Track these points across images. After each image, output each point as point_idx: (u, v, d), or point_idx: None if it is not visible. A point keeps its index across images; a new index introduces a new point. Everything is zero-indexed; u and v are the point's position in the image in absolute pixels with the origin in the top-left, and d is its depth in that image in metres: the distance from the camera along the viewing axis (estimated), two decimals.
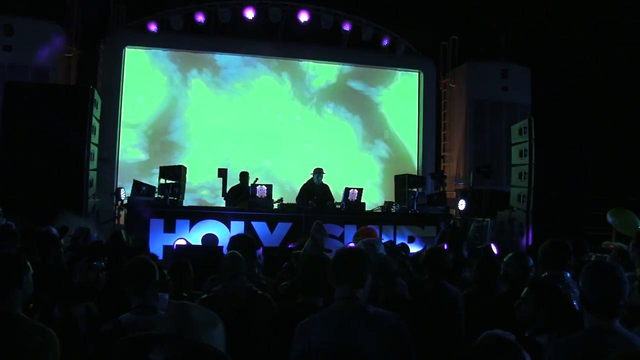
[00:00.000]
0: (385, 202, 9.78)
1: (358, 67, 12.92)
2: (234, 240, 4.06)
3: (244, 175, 9.21)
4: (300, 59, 12.53)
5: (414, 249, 7.56)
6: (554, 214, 8.16)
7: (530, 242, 8.34)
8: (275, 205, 8.44)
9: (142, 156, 11.59)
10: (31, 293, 2.39)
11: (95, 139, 8.18)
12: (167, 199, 7.98)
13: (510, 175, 9.67)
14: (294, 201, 9.14)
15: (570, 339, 2.19)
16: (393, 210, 9.09)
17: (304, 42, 12.40)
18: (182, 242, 7.24)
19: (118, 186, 9.90)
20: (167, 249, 7.49)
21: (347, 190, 8.69)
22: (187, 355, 1.36)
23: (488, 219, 9.23)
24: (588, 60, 13.01)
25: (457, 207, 10.22)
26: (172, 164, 9.52)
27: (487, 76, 12.80)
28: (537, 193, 8.55)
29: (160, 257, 7.05)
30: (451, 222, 8.96)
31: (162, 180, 8.30)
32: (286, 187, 11.60)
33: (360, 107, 12.89)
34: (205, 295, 3.24)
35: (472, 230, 9.30)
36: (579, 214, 8.51)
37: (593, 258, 4.64)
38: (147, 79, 11.68)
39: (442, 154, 13.50)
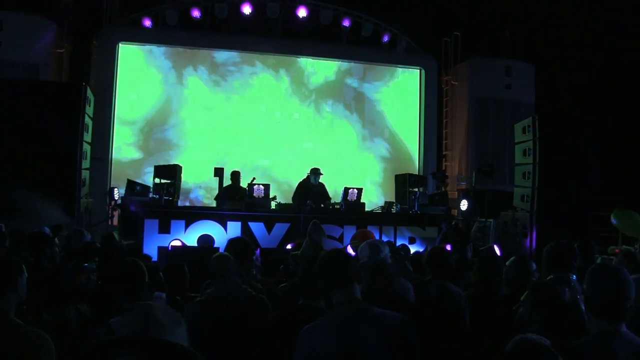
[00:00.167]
0: (386, 202, 9.76)
1: (357, 63, 12.90)
2: (231, 244, 4.05)
3: (235, 175, 9.17)
4: (299, 56, 12.52)
5: (414, 250, 7.55)
6: (558, 215, 8.16)
7: (534, 243, 8.34)
8: (272, 205, 8.42)
9: (136, 155, 11.57)
10: (25, 296, 2.38)
11: (87, 137, 8.16)
12: (162, 199, 7.95)
13: (513, 175, 9.65)
14: (290, 200, 9.14)
15: (575, 344, 2.18)
16: (393, 210, 9.07)
17: (303, 38, 12.38)
18: (177, 243, 7.22)
19: (111, 186, 9.89)
20: (161, 250, 7.47)
21: (346, 190, 8.68)
22: (154, 356, 1.36)
23: (491, 220, 9.22)
24: (594, 57, 13.01)
25: (459, 208, 10.22)
26: (167, 163, 9.51)
27: (490, 73, 12.80)
28: (541, 193, 8.54)
29: (155, 259, 7.03)
30: (453, 223, 8.94)
31: (157, 180, 8.28)
32: (284, 187, 11.59)
33: (360, 105, 12.88)
34: (198, 299, 3.23)
35: (474, 230, 9.30)
36: (584, 214, 8.51)
37: (599, 261, 4.63)
38: (141, 75, 11.65)
39: (443, 153, 13.49)
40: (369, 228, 8.06)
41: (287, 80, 12.47)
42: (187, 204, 11.19)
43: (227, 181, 9.25)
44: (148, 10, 11.69)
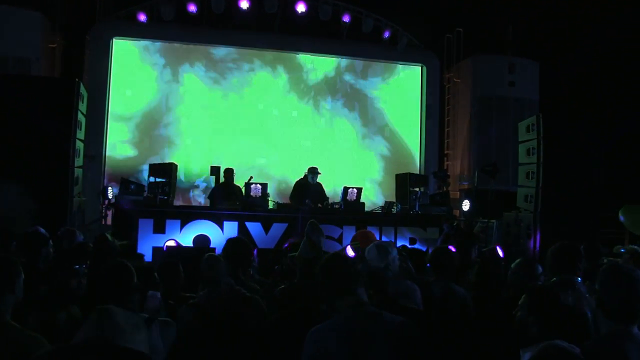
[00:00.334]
0: (386, 202, 9.75)
1: (357, 60, 12.89)
2: (229, 244, 4.04)
3: (228, 172, 9.14)
4: (297, 52, 12.50)
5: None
6: (563, 216, 8.13)
7: (537, 245, 8.32)
8: (270, 204, 8.41)
9: (131, 153, 11.53)
10: (22, 297, 2.37)
11: (81, 134, 8.11)
12: (156, 198, 7.93)
13: (517, 175, 9.64)
14: (288, 200, 9.12)
15: (586, 346, 2.17)
16: (394, 210, 9.06)
17: (301, 34, 12.36)
18: (172, 243, 7.19)
19: (105, 184, 9.86)
20: (156, 250, 7.44)
21: (345, 189, 8.67)
22: None
23: (493, 221, 9.21)
24: (600, 53, 12.99)
25: (461, 208, 10.21)
26: (162, 161, 9.49)
27: (493, 70, 12.79)
28: (545, 193, 8.52)
29: (150, 259, 7.01)
30: (455, 224, 8.93)
31: (152, 178, 8.26)
32: (282, 186, 11.59)
33: (360, 102, 12.86)
34: (191, 301, 3.23)
35: (476, 231, 9.29)
36: (590, 215, 8.49)
37: (605, 262, 4.62)
38: (136, 71, 11.62)
39: (445, 152, 13.49)
40: (369, 229, 8.05)
41: (285, 78, 12.45)
42: (182, 203, 11.17)
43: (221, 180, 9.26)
44: (143, 5, 11.65)
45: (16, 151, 7.27)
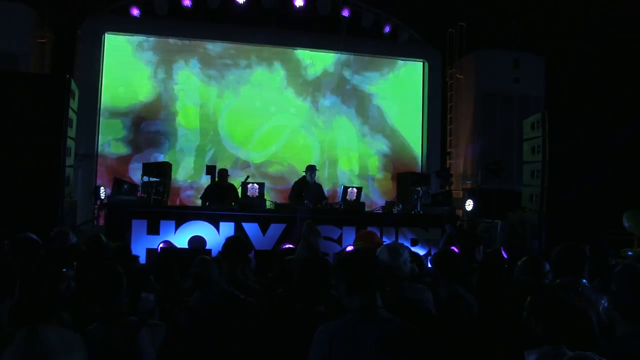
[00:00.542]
0: (387, 202, 9.76)
1: (357, 56, 12.89)
2: (227, 242, 4.07)
3: (222, 172, 9.15)
4: (295, 48, 12.50)
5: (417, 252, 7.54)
6: (569, 216, 8.13)
7: (543, 245, 8.33)
8: (268, 204, 8.41)
9: (124, 152, 11.52)
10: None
11: (72, 132, 8.10)
12: (150, 198, 7.92)
13: (521, 174, 9.64)
14: (286, 200, 9.11)
15: (603, 348, 2.17)
16: (395, 210, 9.06)
17: (299, 29, 12.36)
18: (166, 245, 7.19)
19: (97, 184, 9.86)
20: (150, 252, 7.43)
21: (345, 189, 8.67)
22: None
23: (497, 221, 9.21)
24: (607, 48, 12.97)
25: (464, 208, 10.22)
26: (156, 160, 9.50)
27: (497, 66, 12.79)
28: (551, 193, 8.53)
29: (143, 262, 7.01)
30: (458, 224, 8.94)
31: (146, 178, 8.25)
32: (280, 186, 11.60)
33: (360, 99, 12.86)
34: (183, 304, 3.24)
35: (480, 232, 9.30)
36: (597, 215, 8.49)
37: (614, 263, 4.63)
38: (129, 68, 11.61)
39: (448, 150, 13.49)
40: (369, 229, 8.04)
41: (283, 74, 12.45)
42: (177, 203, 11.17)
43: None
44: None
45: (4, 150, 7.25)
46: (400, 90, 13.14)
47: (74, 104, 8.02)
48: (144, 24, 11.63)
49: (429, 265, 4.85)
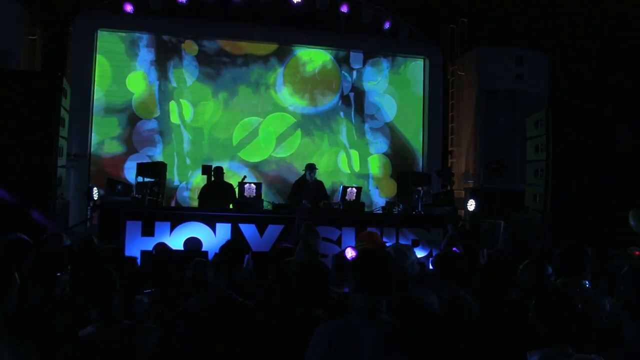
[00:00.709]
0: (387, 202, 9.77)
1: (356, 53, 12.89)
2: (224, 246, 4.07)
3: (218, 171, 9.14)
4: (293, 45, 12.50)
5: (418, 254, 7.54)
6: (574, 216, 8.15)
7: (547, 246, 8.33)
8: (265, 205, 8.40)
9: (117, 151, 11.51)
10: (13, 308, 2.40)
11: (64, 132, 8.10)
12: (145, 199, 7.92)
13: (525, 173, 9.66)
14: (284, 199, 9.11)
15: (613, 353, 2.18)
16: (395, 211, 9.07)
17: (297, 25, 12.35)
18: (162, 246, 7.19)
19: (90, 184, 9.85)
20: (145, 254, 7.42)
21: (344, 188, 8.67)
22: None
23: (500, 221, 9.22)
24: (612, 45, 12.99)
25: (466, 208, 10.21)
26: (151, 160, 9.50)
27: (499, 63, 12.79)
28: (554, 192, 8.54)
29: (138, 264, 6.99)
30: (460, 225, 8.94)
31: (140, 178, 8.26)
32: (277, 185, 11.60)
33: (359, 97, 12.87)
34: (181, 308, 3.24)
35: (482, 232, 9.30)
36: (601, 215, 8.50)
37: (620, 264, 4.64)
38: (123, 66, 11.60)
39: (449, 149, 13.49)
40: (369, 230, 8.04)
41: (280, 71, 12.44)
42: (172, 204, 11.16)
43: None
44: None
45: None
46: (400, 87, 13.15)
47: (65, 102, 8.01)
48: (138, 20, 11.61)
49: (430, 267, 4.85)
